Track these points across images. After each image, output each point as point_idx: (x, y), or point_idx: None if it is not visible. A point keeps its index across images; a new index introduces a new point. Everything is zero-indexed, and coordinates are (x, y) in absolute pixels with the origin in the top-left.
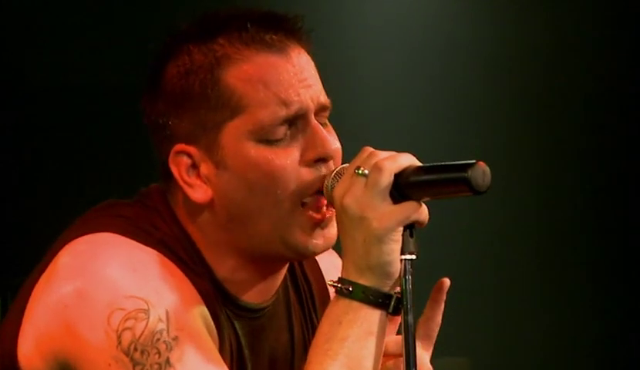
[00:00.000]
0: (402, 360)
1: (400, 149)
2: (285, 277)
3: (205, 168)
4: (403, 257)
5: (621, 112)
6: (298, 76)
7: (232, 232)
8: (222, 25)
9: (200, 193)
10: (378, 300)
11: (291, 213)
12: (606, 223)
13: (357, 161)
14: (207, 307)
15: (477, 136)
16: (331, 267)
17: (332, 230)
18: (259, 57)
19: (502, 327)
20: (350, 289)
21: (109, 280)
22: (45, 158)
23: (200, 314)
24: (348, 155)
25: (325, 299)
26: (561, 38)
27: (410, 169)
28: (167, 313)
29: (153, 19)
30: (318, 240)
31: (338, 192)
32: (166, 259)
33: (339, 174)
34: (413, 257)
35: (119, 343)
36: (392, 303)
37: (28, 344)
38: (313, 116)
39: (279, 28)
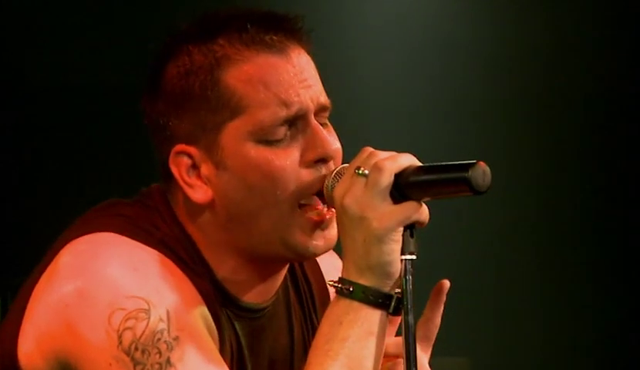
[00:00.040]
0: (402, 361)
1: (400, 149)
2: (285, 278)
3: (205, 168)
4: (403, 257)
5: (621, 112)
6: (298, 77)
7: (232, 232)
8: (222, 25)
9: (200, 193)
10: (378, 300)
11: (290, 213)
12: (606, 223)
13: (357, 161)
14: (208, 307)
15: (477, 136)
16: (331, 268)
17: (333, 231)
18: (259, 58)
19: (502, 328)
20: (350, 289)
21: (109, 279)
22: (45, 158)
23: (200, 315)
24: (349, 155)
25: (325, 300)
26: (561, 38)
27: (410, 169)
28: (168, 313)
29: (153, 19)
30: (318, 241)
31: (338, 192)
32: (166, 259)
33: (339, 174)
34: (413, 257)
35: (120, 343)
36: (393, 303)
37: (29, 344)
38: (313, 117)
39: (279, 29)
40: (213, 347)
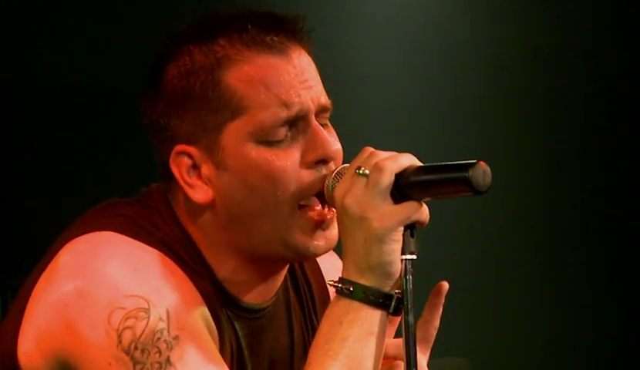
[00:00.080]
0: (401, 363)
1: (400, 149)
2: (285, 278)
3: (206, 169)
4: (404, 257)
5: (621, 112)
6: (298, 77)
7: (232, 232)
8: (222, 25)
9: (200, 193)
10: (378, 300)
11: (291, 214)
12: (606, 223)
13: (357, 161)
14: (208, 307)
15: (477, 136)
16: (331, 268)
17: (334, 231)
18: (260, 58)
19: (502, 328)
20: (351, 289)
21: (109, 279)
22: (45, 158)
23: (200, 315)
24: (349, 155)
25: (325, 300)
26: (561, 38)
27: (411, 169)
28: (168, 312)
29: (153, 19)
30: (319, 241)
31: (338, 192)
32: (166, 258)
33: (340, 174)
34: (414, 257)
35: (120, 342)
36: (393, 303)
37: (29, 343)
38: (314, 117)
39: (280, 30)
40: (213, 346)
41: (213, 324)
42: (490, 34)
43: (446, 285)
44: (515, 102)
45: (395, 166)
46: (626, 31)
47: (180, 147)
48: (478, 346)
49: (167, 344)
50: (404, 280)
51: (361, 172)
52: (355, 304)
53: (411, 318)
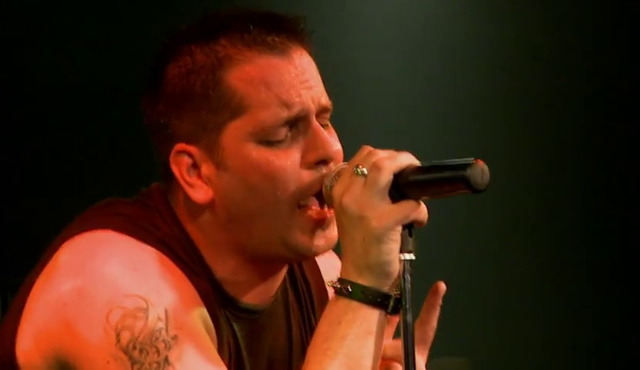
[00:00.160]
0: (400, 362)
1: (400, 149)
2: (284, 278)
3: (206, 168)
4: (402, 256)
5: (621, 112)
6: (299, 78)
7: (232, 232)
8: (223, 25)
9: (200, 193)
10: (377, 299)
11: (290, 214)
12: (606, 223)
13: (356, 160)
14: (207, 307)
15: (477, 136)
16: (330, 268)
17: (333, 230)
18: (261, 58)
19: (501, 327)
20: (349, 289)
21: (108, 278)
22: (45, 158)
23: (199, 315)
24: (349, 155)
25: (324, 299)
26: (561, 38)
27: (409, 168)
28: (166, 312)
29: (153, 19)
30: (319, 240)
31: (337, 191)
32: (165, 258)
33: (338, 174)
34: (412, 256)
35: (118, 341)
36: (391, 303)
37: (27, 342)
38: (314, 118)
39: (281, 30)
40: (211, 346)
41: (211, 324)
42: (490, 34)
43: (443, 285)
44: (515, 102)
45: (393, 165)
46: (626, 31)
47: (180, 146)
48: (477, 346)
49: (166, 344)
50: (402, 279)
51: (359, 171)
52: (354, 303)
53: (409, 318)
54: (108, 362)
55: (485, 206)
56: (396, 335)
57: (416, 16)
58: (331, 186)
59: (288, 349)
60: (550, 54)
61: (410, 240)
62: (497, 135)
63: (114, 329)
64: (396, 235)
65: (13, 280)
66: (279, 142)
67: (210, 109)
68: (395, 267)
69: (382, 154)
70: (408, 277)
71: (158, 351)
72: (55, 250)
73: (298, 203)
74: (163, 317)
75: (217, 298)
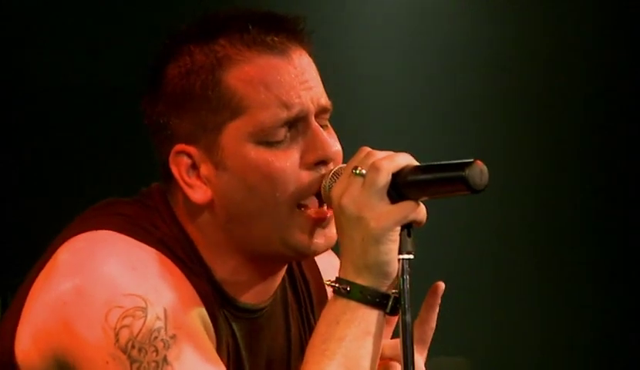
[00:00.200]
0: (399, 362)
1: (399, 149)
2: (283, 277)
3: (205, 169)
4: (401, 256)
5: (621, 112)
6: (299, 78)
7: (232, 233)
8: (223, 25)
9: (199, 193)
10: (375, 300)
11: (290, 214)
12: (606, 223)
13: (354, 161)
14: (206, 307)
15: (477, 136)
16: (329, 267)
17: (333, 229)
18: (260, 59)
19: (500, 327)
20: (348, 289)
21: (107, 277)
22: (45, 158)
23: (198, 314)
24: (349, 156)
25: (323, 299)
26: (561, 38)
27: (408, 168)
28: (165, 311)
29: (153, 19)
30: (319, 239)
31: (335, 192)
32: (165, 258)
33: (337, 174)
34: (411, 256)
35: (117, 340)
36: (390, 303)
37: (26, 341)
38: (314, 118)
39: (281, 30)
40: (210, 346)
41: (210, 323)
42: (490, 34)
43: (442, 285)
44: (515, 102)
45: (391, 165)
46: (626, 31)
47: (179, 147)
48: (476, 346)
49: (164, 343)
50: (401, 279)
51: (357, 172)
52: (352, 303)
53: (408, 318)
54: (107, 362)
55: (484, 206)
56: (395, 335)
57: (416, 16)
58: (330, 187)
59: (286, 349)
60: (550, 54)
61: (409, 240)
62: (497, 135)
63: (113, 328)
64: (395, 235)
65: (13, 280)
66: (278, 142)
67: (209, 110)
68: (394, 267)
69: (380, 155)
70: (407, 277)
71: (157, 351)
72: (54, 250)
73: (298, 203)
74: (161, 316)
75: (216, 298)
